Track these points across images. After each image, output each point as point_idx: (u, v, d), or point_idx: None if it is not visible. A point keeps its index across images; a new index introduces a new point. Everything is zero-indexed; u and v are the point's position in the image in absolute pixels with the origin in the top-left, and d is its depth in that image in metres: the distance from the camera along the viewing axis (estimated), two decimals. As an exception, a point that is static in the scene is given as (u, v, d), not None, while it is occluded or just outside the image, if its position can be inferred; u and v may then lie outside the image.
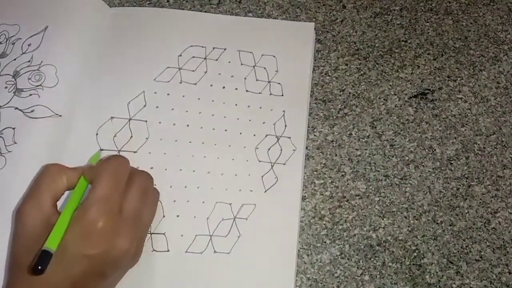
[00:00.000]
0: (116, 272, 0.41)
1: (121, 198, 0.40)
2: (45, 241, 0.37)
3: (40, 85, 0.49)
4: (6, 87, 0.49)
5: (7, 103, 0.48)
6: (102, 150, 0.48)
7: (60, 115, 0.48)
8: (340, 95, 0.53)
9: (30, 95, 0.49)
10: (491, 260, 0.46)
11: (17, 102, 0.48)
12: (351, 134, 0.52)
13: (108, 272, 0.40)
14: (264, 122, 0.50)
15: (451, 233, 0.47)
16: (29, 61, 0.50)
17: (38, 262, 0.36)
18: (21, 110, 0.48)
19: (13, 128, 0.47)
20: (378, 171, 0.50)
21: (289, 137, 0.50)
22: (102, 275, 0.39)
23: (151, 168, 0.47)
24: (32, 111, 0.48)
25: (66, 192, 0.43)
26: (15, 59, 0.50)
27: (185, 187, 0.47)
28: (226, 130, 0.50)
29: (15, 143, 0.47)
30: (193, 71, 0.52)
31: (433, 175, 0.50)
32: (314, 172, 0.50)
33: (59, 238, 0.37)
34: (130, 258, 0.41)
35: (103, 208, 0.39)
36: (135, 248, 0.41)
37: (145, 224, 0.43)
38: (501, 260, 0.47)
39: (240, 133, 0.50)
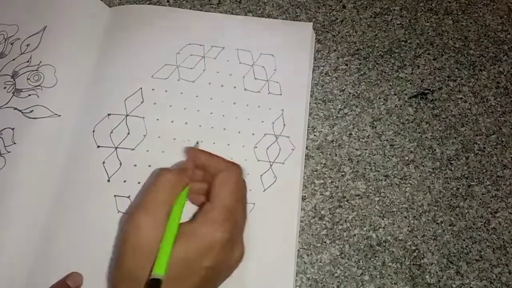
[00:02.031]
0: (226, 275, 0.41)
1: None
2: (153, 265, 0.36)
3: (39, 85, 0.49)
4: (5, 88, 0.49)
5: (6, 104, 0.48)
6: (99, 147, 0.48)
7: (59, 115, 0.48)
8: (340, 95, 0.53)
9: (29, 95, 0.49)
10: (491, 260, 0.46)
11: (16, 102, 0.48)
12: (351, 134, 0.51)
13: (222, 278, 0.41)
14: (262, 121, 0.50)
15: (451, 233, 0.47)
16: (28, 61, 0.50)
17: None
18: (20, 111, 0.48)
19: (12, 129, 0.47)
20: (378, 171, 0.50)
21: (288, 136, 0.50)
22: (217, 280, 0.40)
23: (149, 166, 0.47)
24: (31, 111, 0.48)
25: None
26: (14, 59, 0.50)
27: (184, 185, 0.47)
28: (224, 129, 0.50)
29: (14, 143, 0.46)
30: (191, 68, 0.52)
31: (433, 175, 0.50)
32: (314, 172, 0.49)
33: (166, 261, 0.36)
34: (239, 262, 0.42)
35: (229, 227, 0.39)
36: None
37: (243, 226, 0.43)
38: (501, 260, 0.46)
39: (239, 132, 0.50)
